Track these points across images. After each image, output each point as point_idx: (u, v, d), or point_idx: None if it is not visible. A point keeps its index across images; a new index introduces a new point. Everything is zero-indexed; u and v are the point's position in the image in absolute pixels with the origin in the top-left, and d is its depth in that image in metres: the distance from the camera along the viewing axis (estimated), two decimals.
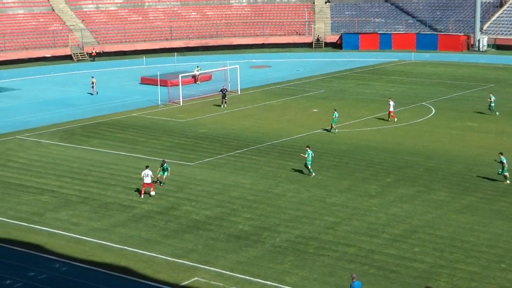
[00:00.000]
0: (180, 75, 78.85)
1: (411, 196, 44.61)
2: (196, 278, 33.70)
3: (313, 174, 49.24)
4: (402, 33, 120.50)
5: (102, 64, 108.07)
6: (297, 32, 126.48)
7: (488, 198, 44.12)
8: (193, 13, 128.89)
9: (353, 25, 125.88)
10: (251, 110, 72.02)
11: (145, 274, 34.27)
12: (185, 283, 33.32)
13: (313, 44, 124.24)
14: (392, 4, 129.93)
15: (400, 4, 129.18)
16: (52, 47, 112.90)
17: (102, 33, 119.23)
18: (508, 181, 47.01)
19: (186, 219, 41.38)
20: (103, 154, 55.73)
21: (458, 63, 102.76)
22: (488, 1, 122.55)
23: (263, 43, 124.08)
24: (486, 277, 33.38)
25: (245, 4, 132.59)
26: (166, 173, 47.45)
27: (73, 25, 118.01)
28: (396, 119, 65.46)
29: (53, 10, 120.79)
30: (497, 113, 67.48)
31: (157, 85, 79.26)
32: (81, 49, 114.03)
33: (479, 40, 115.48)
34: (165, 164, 47.46)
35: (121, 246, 37.56)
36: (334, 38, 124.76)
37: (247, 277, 33.66)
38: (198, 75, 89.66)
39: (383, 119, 65.83)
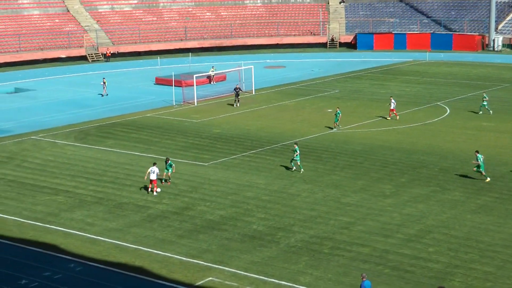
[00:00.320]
0: (194, 76, 78.94)
1: (426, 196, 44.49)
2: (210, 278, 33.73)
3: (302, 170, 49.79)
4: (417, 33, 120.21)
5: (116, 65, 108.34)
6: (311, 32, 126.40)
7: (503, 198, 43.94)
8: (207, 14, 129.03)
9: (368, 25, 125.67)
10: (266, 110, 72.01)
11: (160, 274, 34.32)
12: (200, 283, 33.35)
13: (328, 44, 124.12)
14: (406, 4, 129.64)
15: (415, 4, 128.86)
16: (67, 47, 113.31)
17: (117, 34, 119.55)
18: (488, 179, 47.21)
19: (201, 219, 41.42)
20: (118, 154, 55.86)
21: (473, 63, 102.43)
22: (503, 1, 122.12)
23: (277, 43, 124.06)
24: (501, 277, 33.24)
25: (259, 4, 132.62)
26: (170, 170, 47.84)
27: (88, 26, 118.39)
28: (398, 117, 65.94)
29: (68, 11, 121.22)
30: (491, 112, 67.63)
31: (172, 86, 79.34)
32: (96, 49, 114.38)
33: (494, 40, 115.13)
34: (169, 161, 47.92)
35: (136, 246, 37.64)
36: (348, 38, 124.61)
37: (261, 277, 33.66)
38: (213, 75, 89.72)
39: (384, 117, 65.69)
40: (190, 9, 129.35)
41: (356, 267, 34.25)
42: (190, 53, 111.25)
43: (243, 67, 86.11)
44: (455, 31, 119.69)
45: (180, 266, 35.09)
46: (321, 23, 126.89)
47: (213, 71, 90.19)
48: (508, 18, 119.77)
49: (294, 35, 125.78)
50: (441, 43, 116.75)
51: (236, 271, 34.40)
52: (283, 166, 51.53)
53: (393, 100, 66.52)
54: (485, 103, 67.89)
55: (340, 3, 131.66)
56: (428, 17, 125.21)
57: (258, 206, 43.41)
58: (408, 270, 34.05)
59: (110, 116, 70.41)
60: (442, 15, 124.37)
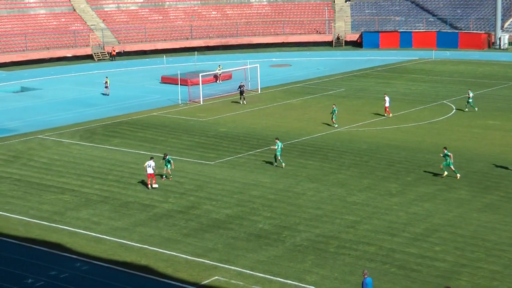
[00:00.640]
0: (200, 74, 78.90)
1: (432, 195, 44.37)
2: (216, 277, 33.67)
3: (283, 164, 50.50)
4: (423, 31, 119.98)
5: (122, 64, 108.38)
6: (317, 31, 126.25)
7: (510, 197, 43.78)
8: (213, 12, 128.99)
9: (374, 23, 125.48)
10: (271, 109, 71.94)
11: (166, 273, 34.27)
12: (205, 282, 33.30)
13: (333, 43, 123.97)
14: (412, 2, 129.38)
15: (421, 2, 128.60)
16: (73, 46, 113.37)
17: (123, 33, 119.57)
18: (459, 175, 47.52)
19: (206, 218, 41.36)
20: (123, 153, 55.83)
21: (479, 61, 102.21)
22: None
23: (283, 42, 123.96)
24: (508, 276, 33.11)
25: (265, 3, 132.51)
26: (169, 166, 48.28)
27: (94, 25, 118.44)
28: (391, 115, 66.37)
29: (74, 10, 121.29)
30: (476, 109, 67.80)
31: (178, 84, 79.30)
32: (102, 48, 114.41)
33: (500, 38, 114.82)
34: (167, 157, 48.32)
35: (142, 245, 37.60)
36: (354, 37, 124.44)
37: (267, 276, 33.58)
38: (220, 74, 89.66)
39: (379, 114, 65.57)
40: (196, 8, 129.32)
41: (362, 266, 34.13)
42: (195, 52, 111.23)
43: (248, 66, 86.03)
44: (461, 29, 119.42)
45: (186, 265, 35.04)
46: (327, 21, 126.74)
47: (220, 69, 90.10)
48: None
49: (300, 33, 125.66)
50: (447, 41, 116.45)
51: (242, 270, 34.34)
52: (288, 164, 51.40)
53: (387, 98, 66.91)
54: (470, 100, 68.08)
55: (345, 1, 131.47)
56: (434, 15, 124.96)
57: (264, 205, 43.33)
58: (414, 269, 33.94)
59: (116, 115, 70.40)
60: (448, 13, 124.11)
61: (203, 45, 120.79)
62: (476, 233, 38.16)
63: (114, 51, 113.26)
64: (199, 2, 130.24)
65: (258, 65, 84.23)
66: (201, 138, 60.29)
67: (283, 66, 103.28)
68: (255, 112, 70.50)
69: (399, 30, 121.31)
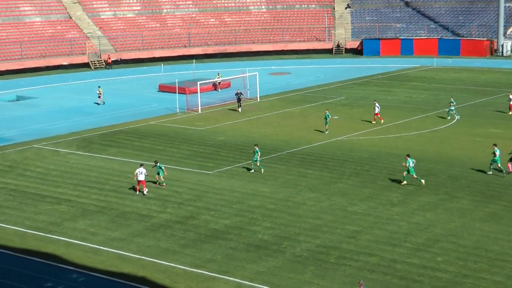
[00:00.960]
0: (198, 83, 78.98)
1: (434, 205, 44.40)
2: None
3: (262, 170, 51.88)
4: (424, 38, 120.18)
5: (119, 72, 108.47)
6: (317, 38, 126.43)
7: None
8: (211, 20, 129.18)
9: (374, 30, 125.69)
10: (271, 118, 72.01)
11: (163, 284, 34.27)
12: None
13: (333, 50, 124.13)
14: (413, 9, 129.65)
15: (422, 9, 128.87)
16: (69, 55, 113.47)
17: (120, 41, 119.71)
18: (423, 181, 48.12)
19: (205, 229, 41.37)
20: (121, 163, 55.84)
21: (481, 69, 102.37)
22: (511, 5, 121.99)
23: (282, 50, 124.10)
24: (511, 287, 33.12)
25: (264, 10, 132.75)
26: (162, 173, 48.97)
27: (90, 33, 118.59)
28: (382, 121, 67.04)
29: (71, 18, 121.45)
30: (458, 117, 68.27)
31: (175, 93, 79.37)
32: (98, 56, 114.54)
33: (502, 45, 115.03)
34: (158, 164, 48.95)
35: (139, 256, 37.61)
36: (354, 44, 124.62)
37: None
38: (219, 82, 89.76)
39: (374, 121, 65.68)
40: (193, 15, 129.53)
41: (364, 277, 34.12)
42: (194, 60, 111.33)
43: (247, 74, 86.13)
44: (462, 36, 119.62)
45: (184, 276, 35.04)
46: (327, 28, 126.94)
47: (219, 78, 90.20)
48: None
49: (299, 41, 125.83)
50: (448, 48, 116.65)
51: (241, 281, 34.34)
52: (288, 174, 51.48)
53: (377, 104, 67.77)
54: (452, 108, 68.55)
55: (346, 8, 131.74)
56: (435, 22, 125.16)
57: (263, 215, 43.35)
58: (416, 280, 33.95)
59: (113, 124, 70.47)
60: (450, 20, 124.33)
61: (201, 53, 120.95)
62: (479, 243, 38.17)
63: (109, 59, 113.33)
64: (197, 9, 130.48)
65: (257, 73, 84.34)
66: (199, 147, 60.33)
67: (282, 74, 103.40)
68: (254, 121, 70.57)
69: (400, 37, 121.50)
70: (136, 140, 63.36)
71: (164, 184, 49.28)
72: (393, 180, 49.44)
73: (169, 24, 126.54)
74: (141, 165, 48.56)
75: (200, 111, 75.35)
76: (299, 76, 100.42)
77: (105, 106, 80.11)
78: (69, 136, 65.55)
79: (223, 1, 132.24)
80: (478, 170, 51.30)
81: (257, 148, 51.99)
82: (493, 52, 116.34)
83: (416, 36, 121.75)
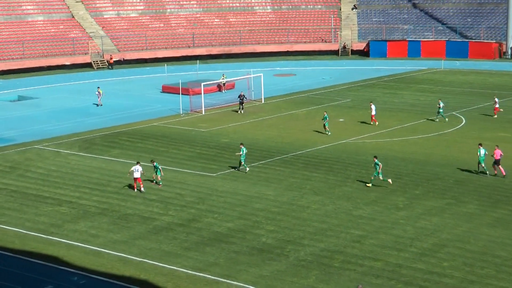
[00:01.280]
0: (202, 83, 79.05)
1: (440, 209, 44.39)
2: None
3: (247, 169, 52.65)
4: (432, 41, 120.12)
5: (122, 72, 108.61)
6: (322, 39, 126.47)
7: None
8: (216, 20, 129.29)
9: (381, 32, 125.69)
10: (275, 120, 72.05)
11: None
12: None
13: (339, 52, 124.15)
14: (421, 10, 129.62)
15: (430, 11, 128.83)
16: (71, 54, 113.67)
17: (123, 41, 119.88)
18: (390, 180, 48.79)
19: (208, 232, 41.41)
20: (123, 164, 55.88)
21: (489, 72, 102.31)
22: None
23: (287, 51, 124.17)
24: None
25: (269, 10, 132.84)
26: (159, 173, 49.76)
27: (93, 32, 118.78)
28: (377, 123, 67.49)
29: (73, 17, 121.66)
30: (447, 119, 68.74)
31: (179, 94, 79.42)
32: (101, 56, 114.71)
33: (511, 48, 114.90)
34: (155, 163, 49.78)
35: (141, 259, 37.65)
36: (361, 46, 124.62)
37: None
38: (224, 83, 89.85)
39: (372, 123, 65.68)
40: (198, 15, 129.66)
41: (368, 282, 34.16)
42: (198, 61, 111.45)
43: (252, 75, 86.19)
44: (471, 39, 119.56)
45: (187, 280, 35.07)
46: (333, 30, 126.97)
47: (224, 79, 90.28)
48: None
49: (305, 42, 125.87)
50: (456, 50, 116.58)
51: (244, 285, 34.37)
52: (292, 177, 51.52)
53: (373, 106, 68.25)
54: (441, 110, 68.90)
55: (352, 9, 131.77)
56: (443, 24, 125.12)
57: (267, 218, 43.38)
58: (422, 285, 33.95)
59: (116, 125, 70.57)
60: (458, 22, 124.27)
61: (205, 53, 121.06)
62: (486, 248, 38.16)
63: (111, 59, 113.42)
64: (201, 9, 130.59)
65: (261, 74, 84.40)
66: (202, 149, 60.39)
67: (288, 76, 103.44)
68: (258, 123, 70.62)
69: (407, 39, 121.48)
70: (138, 141, 63.44)
71: (161, 184, 49.87)
72: (399, 184, 49.43)
73: (173, 24, 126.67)
74: (137, 162, 49.17)
75: (203, 113, 75.42)
76: (305, 78, 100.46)
77: (108, 107, 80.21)
78: (71, 137, 65.65)
79: (227, 1, 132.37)
80: (486, 174, 51.22)
81: (242, 147, 52.69)
82: (502, 54, 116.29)
83: (423, 38, 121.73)
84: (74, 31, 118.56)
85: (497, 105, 71.11)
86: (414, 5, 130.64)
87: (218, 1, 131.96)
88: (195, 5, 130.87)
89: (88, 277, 35.64)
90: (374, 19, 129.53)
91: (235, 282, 34.66)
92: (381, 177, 48.60)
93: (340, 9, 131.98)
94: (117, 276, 35.72)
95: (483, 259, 36.78)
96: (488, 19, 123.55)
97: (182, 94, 78.99)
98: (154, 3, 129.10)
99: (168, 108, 78.61)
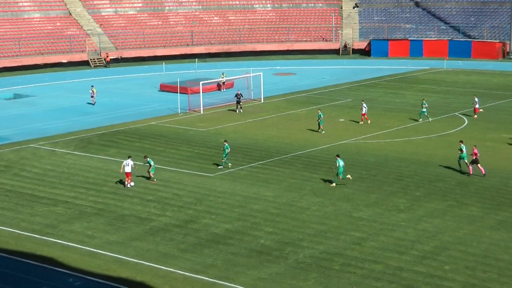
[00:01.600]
0: (201, 82, 79.01)
1: (442, 211, 44.34)
2: None
3: (230, 164, 54.01)
4: (434, 40, 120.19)
5: (120, 71, 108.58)
6: (323, 38, 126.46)
7: None
8: (215, 18, 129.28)
9: (383, 31, 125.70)
10: (275, 119, 72.01)
11: None
12: None
13: (340, 51, 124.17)
14: (423, 9, 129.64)
15: (432, 9, 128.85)
16: (68, 52, 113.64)
17: (121, 38, 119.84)
18: (349, 176, 49.41)
19: (206, 233, 41.35)
20: (120, 164, 55.68)
21: (492, 72, 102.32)
22: None
23: (288, 50, 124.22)
24: None
25: (269, 8, 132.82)
26: (153, 169, 50.86)
27: (90, 30, 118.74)
28: (369, 121, 68.35)
29: (70, 14, 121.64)
30: (430, 119, 69.19)
31: (177, 93, 79.42)
32: (98, 54, 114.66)
33: None
34: (148, 159, 50.87)
35: (138, 260, 37.58)
36: (362, 45, 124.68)
37: None
38: (224, 82, 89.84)
39: (362, 122, 65.66)
40: (197, 13, 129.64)
41: (368, 285, 34.11)
42: (196, 59, 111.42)
43: (251, 74, 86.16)
44: (474, 38, 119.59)
45: (184, 282, 35.01)
46: (334, 28, 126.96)
47: (223, 77, 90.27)
48: None
49: (305, 41, 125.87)
50: (459, 50, 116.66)
51: (242, 287, 34.27)
52: (292, 177, 51.47)
53: (364, 105, 68.93)
54: (424, 109, 69.48)
55: (354, 7, 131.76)
56: (446, 23, 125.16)
57: (265, 219, 43.32)
58: None
59: (113, 124, 70.53)
60: (461, 21, 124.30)
61: (204, 52, 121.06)
62: (488, 251, 38.10)
63: (108, 57, 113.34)
64: (200, 7, 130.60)
65: (261, 73, 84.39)
66: (200, 149, 60.33)
67: (288, 75, 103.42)
68: (257, 123, 70.58)
69: (409, 38, 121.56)
70: (136, 140, 63.40)
71: (155, 180, 50.70)
72: (400, 186, 49.40)
73: (171, 22, 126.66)
74: (129, 157, 50.21)
75: (202, 112, 75.39)
76: (305, 77, 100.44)
77: (105, 106, 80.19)
78: (67, 136, 65.60)
79: None
80: (488, 176, 51.20)
81: (226, 144, 53.62)
82: (506, 54, 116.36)
83: (426, 37, 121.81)
84: (71, 29, 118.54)
85: (477, 105, 71.41)
86: (417, 4, 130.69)
87: None
88: (194, 3, 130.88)
89: (84, 279, 35.57)
90: (375, 18, 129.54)
91: (232, 285, 34.59)
92: (340, 176, 49.27)
93: (342, 8, 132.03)
94: (113, 277, 35.65)
95: (485, 262, 36.73)
96: (492, 18, 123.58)
97: (180, 93, 78.99)
98: (153, 1, 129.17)
99: (166, 107, 78.57)
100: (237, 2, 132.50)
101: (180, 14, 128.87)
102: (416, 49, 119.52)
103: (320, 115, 65.27)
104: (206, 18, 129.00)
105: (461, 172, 52.02)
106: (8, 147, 61.91)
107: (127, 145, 61.69)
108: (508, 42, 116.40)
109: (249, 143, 62.10)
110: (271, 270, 36.21)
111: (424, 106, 69.53)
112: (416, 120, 69.44)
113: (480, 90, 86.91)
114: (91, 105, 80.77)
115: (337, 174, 49.27)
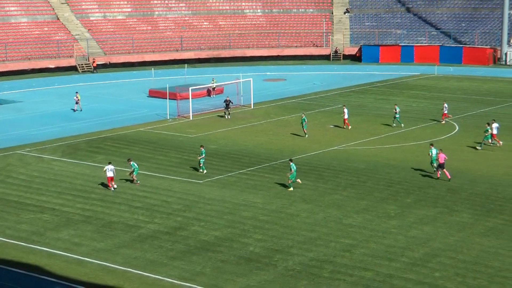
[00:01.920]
0: (190, 88, 79.00)
1: (432, 218, 44.43)
2: None
3: (205, 171, 54.51)
4: (425, 46, 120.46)
5: (108, 76, 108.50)
6: (314, 44, 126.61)
7: None
8: (205, 23, 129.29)
9: (373, 36, 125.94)
10: (265, 125, 72.05)
11: None
12: None
13: (331, 57, 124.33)
14: (414, 14, 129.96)
15: (423, 15, 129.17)
16: (56, 57, 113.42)
17: (109, 43, 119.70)
18: (299, 180, 50.76)
19: (194, 240, 41.33)
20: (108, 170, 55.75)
21: (483, 78, 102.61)
22: None
23: (278, 55, 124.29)
24: None
25: (259, 14, 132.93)
26: (136, 171, 51.64)
27: (78, 35, 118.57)
28: (350, 127, 68.92)
29: (58, 19, 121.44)
30: (403, 125, 69.87)
31: (166, 98, 79.39)
32: (86, 59, 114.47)
33: (506, 54, 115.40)
34: (131, 162, 51.42)
35: (125, 268, 37.53)
36: (353, 50, 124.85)
37: None
38: (214, 88, 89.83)
39: (344, 127, 65.77)
40: (186, 18, 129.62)
41: None
42: (186, 65, 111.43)
43: (241, 80, 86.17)
44: (465, 44, 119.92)
45: None
46: (324, 34, 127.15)
47: (214, 83, 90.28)
48: None
49: (296, 46, 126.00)
50: (450, 56, 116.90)
51: None
52: (281, 184, 51.49)
53: (345, 110, 69.66)
54: (397, 115, 70.01)
55: (344, 13, 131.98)
56: (437, 28, 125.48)
57: (255, 226, 43.34)
58: None
59: (101, 130, 70.45)
60: (452, 26, 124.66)
61: (194, 57, 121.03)
62: (479, 258, 38.20)
63: (95, 62, 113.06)
64: (190, 12, 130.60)
65: (251, 79, 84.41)
66: (190, 155, 60.28)
67: (278, 81, 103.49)
68: (247, 129, 70.62)
69: (400, 44, 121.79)
70: (124, 147, 63.33)
71: (138, 182, 51.53)
72: (390, 192, 49.49)
73: (160, 27, 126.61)
74: (109, 163, 51.22)
75: (191, 118, 75.38)
76: (295, 83, 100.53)
77: (93, 112, 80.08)
78: (54, 142, 65.48)
79: (217, 4, 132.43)
80: (478, 183, 51.36)
81: (202, 149, 54.10)
82: (497, 60, 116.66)
83: (417, 43, 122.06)
84: (59, 33, 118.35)
85: (445, 111, 71.77)
86: (408, 10, 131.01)
87: (207, 4, 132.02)
88: (183, 8, 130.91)
89: (71, 287, 35.49)
90: (366, 23, 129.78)
91: None
92: (291, 180, 50.03)
93: (332, 13, 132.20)
94: (100, 285, 35.60)
95: (475, 269, 36.82)
96: (483, 24, 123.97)
97: (169, 98, 78.97)
98: (142, 5, 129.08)
99: (155, 113, 78.53)
100: (227, 7, 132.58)
101: (170, 19, 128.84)
102: (407, 55, 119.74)
103: (304, 119, 65.84)
104: (196, 23, 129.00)
105: (444, 179, 52.16)
106: None
107: (115, 152, 61.62)
108: (499, 48, 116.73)
109: (238, 149, 62.12)
110: (261, 277, 36.22)
111: (396, 111, 69.96)
112: (389, 125, 69.91)
113: (471, 96, 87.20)
114: (76, 111, 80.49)
115: (289, 178, 50.08)
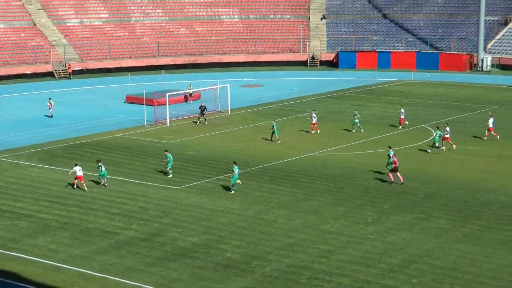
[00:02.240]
0: (167, 94, 78.89)
1: (410, 224, 44.56)
2: None
3: (170, 175, 55.13)
4: (402, 52, 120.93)
5: (85, 82, 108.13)
6: (291, 50, 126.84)
7: (491, 227, 44.07)
8: (182, 29, 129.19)
9: (350, 42, 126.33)
10: (242, 131, 72.05)
11: None
12: None
13: (308, 63, 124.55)
14: (391, 21, 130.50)
15: (400, 21, 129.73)
16: (32, 63, 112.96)
17: (86, 49, 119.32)
18: (232, 192, 51.28)
19: (171, 246, 41.23)
20: (85, 177, 55.42)
21: (460, 84, 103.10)
22: (492, 19, 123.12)
23: (255, 61, 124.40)
24: None
25: (236, 20, 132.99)
26: (105, 173, 52.61)
27: (55, 41, 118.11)
28: (318, 131, 69.65)
29: (35, 25, 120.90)
30: (362, 130, 70.63)
31: (143, 104, 79.22)
32: (63, 65, 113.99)
33: (482, 60, 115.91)
34: (99, 163, 52.59)
35: (102, 275, 37.38)
36: (330, 56, 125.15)
37: None
38: (191, 94, 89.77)
39: (312, 131, 65.98)
40: (163, 24, 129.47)
41: None
42: (163, 70, 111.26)
43: (218, 86, 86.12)
44: (441, 50, 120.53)
45: None
46: (301, 40, 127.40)
47: (190, 89, 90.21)
48: (497, 37, 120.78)
49: (273, 52, 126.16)
50: (427, 62, 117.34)
51: None
52: (259, 190, 51.50)
53: (314, 115, 70.70)
54: (356, 120, 70.99)
55: (321, 19, 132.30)
56: (413, 35, 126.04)
57: (232, 232, 43.29)
58: None
59: (77, 136, 70.16)
60: (429, 33, 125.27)
61: (171, 63, 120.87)
62: (456, 264, 38.34)
63: (70, 68, 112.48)
64: (167, 18, 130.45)
65: (228, 85, 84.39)
66: (167, 161, 60.04)
67: (255, 86, 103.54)
68: (224, 135, 70.59)
69: (377, 50, 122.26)
70: (101, 153, 63.07)
71: (106, 185, 52.53)
72: (368, 198, 49.59)
73: (137, 33, 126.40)
74: (76, 164, 52.69)
75: (168, 124, 75.26)
76: (272, 89, 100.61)
77: (70, 118, 79.78)
78: (30, 148, 65.16)
79: (194, 10, 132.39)
80: (455, 189, 51.58)
81: (168, 153, 55.17)
82: (473, 66, 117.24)
83: (393, 49, 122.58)
84: (36, 39, 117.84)
85: (402, 116, 72.26)
86: (384, 16, 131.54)
87: (184, 10, 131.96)
88: (160, 14, 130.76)
89: None
90: (343, 30, 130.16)
91: None
92: (232, 183, 50.91)
93: (309, 19, 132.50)
94: None
95: (452, 275, 36.94)
96: (459, 30, 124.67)
97: (146, 104, 78.82)
98: (119, 11, 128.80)
99: (132, 119, 78.34)
100: (204, 13, 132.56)
101: (147, 25, 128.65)
102: (383, 61, 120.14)
103: (274, 125, 66.32)
104: (173, 29, 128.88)
105: (427, 183, 52.36)
106: None
107: (92, 158, 61.26)
108: (475, 54, 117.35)
109: (215, 155, 62.07)
110: (238, 284, 36.17)
111: (356, 116, 70.74)
112: (349, 130, 70.50)
113: (447, 102, 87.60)
114: (50, 117, 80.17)
115: (233, 182, 50.94)
